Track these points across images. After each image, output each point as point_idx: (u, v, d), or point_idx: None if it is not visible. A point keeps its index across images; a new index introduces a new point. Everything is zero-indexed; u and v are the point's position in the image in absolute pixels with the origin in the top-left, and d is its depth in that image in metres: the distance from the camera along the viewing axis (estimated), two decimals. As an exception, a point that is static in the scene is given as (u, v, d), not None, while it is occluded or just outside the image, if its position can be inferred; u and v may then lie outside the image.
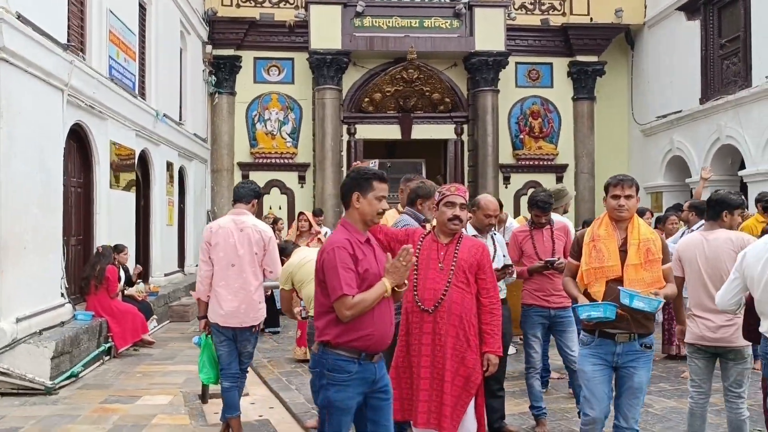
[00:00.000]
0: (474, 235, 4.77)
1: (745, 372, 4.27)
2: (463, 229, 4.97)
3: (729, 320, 4.23)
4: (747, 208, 8.49)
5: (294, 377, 6.79)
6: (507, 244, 7.39)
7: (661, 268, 3.76)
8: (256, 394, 6.24)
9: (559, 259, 5.11)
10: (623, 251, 3.72)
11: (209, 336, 4.85)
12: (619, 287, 3.60)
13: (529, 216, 5.82)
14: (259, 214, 14.51)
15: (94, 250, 8.04)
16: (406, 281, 3.18)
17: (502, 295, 4.88)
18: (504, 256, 4.89)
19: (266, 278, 4.95)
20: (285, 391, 6.31)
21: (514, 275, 4.84)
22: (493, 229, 4.92)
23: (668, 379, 6.71)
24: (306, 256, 4.97)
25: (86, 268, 7.85)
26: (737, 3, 11.98)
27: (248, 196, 4.90)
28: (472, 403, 3.78)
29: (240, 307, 4.65)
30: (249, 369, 5.24)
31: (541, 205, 5.29)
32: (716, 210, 4.50)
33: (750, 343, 4.25)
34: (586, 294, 3.77)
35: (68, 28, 7.89)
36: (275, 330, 9.40)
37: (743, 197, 4.78)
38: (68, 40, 7.78)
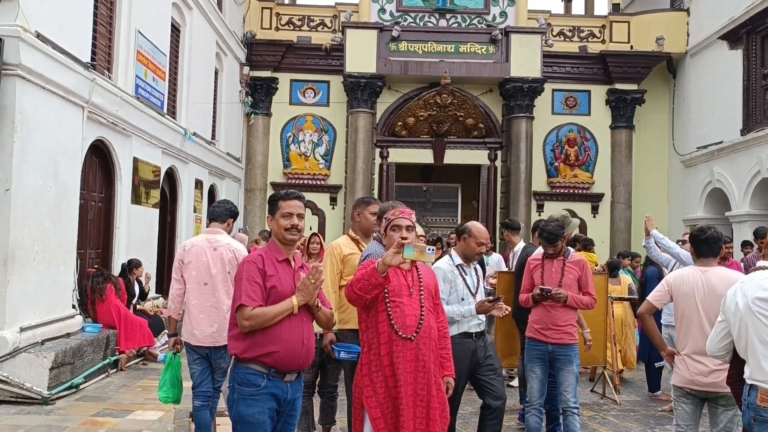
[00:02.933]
0: (459, 264, 4.62)
1: (735, 419, 4.00)
2: (449, 257, 4.83)
3: (722, 365, 3.96)
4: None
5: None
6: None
7: None
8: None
9: (557, 289, 4.92)
10: None
11: (177, 354, 4.83)
12: None
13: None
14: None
15: (88, 271, 8.15)
16: (319, 303, 3.14)
17: (485, 327, 4.71)
18: (485, 287, 4.74)
19: None
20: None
21: (504, 310, 4.58)
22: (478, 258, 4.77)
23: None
24: None
25: (84, 283, 7.99)
26: (781, 32, 11.57)
27: (223, 215, 4.89)
28: None
29: (212, 326, 4.62)
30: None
31: (547, 236, 5.11)
32: (719, 246, 4.28)
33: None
34: None
35: (94, 47, 8.15)
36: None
37: None
38: (93, 59, 8.04)
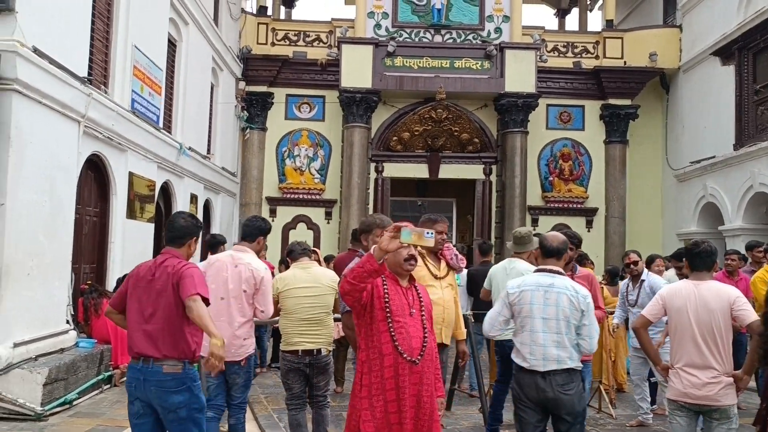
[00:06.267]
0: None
1: (730, 432, 4.02)
2: None
3: (715, 377, 4.01)
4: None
5: (286, 414, 6.67)
6: None
7: None
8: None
9: None
10: None
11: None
12: None
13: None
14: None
15: (82, 287, 8.13)
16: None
17: None
18: None
19: (257, 317, 4.99)
20: (272, 428, 6.23)
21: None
22: None
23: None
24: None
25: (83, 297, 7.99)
26: (772, 48, 11.69)
27: (253, 234, 5.00)
28: None
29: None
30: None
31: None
32: (713, 259, 4.32)
33: (735, 402, 4.02)
34: None
35: (91, 62, 8.17)
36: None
37: None
38: (90, 74, 8.07)
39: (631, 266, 6.84)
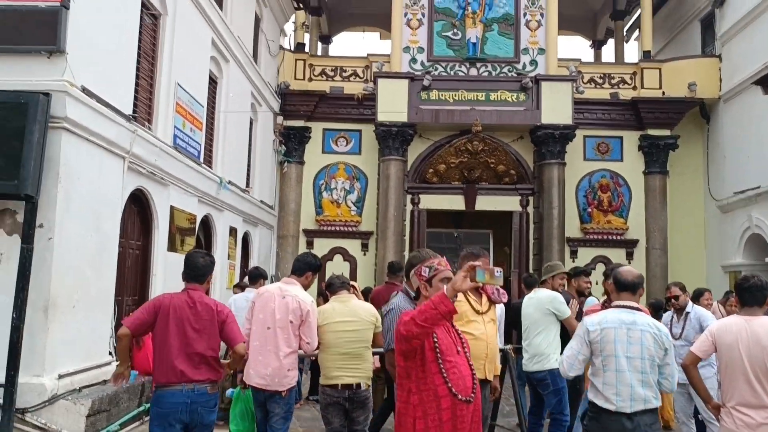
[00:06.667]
0: None
1: (788, 476, 3.85)
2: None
3: (770, 417, 3.87)
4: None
5: (324, 450, 6.62)
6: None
7: None
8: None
9: None
10: None
11: (246, 389, 5.07)
12: None
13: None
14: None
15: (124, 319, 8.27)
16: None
17: None
18: None
19: (302, 348, 5.09)
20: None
21: None
22: None
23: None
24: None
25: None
26: (816, 76, 11.46)
27: (302, 269, 5.22)
28: None
29: (267, 369, 4.88)
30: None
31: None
32: (764, 294, 4.21)
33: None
34: None
35: (135, 100, 8.43)
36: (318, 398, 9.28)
37: None
38: (135, 112, 8.31)
39: (672, 300, 6.67)
